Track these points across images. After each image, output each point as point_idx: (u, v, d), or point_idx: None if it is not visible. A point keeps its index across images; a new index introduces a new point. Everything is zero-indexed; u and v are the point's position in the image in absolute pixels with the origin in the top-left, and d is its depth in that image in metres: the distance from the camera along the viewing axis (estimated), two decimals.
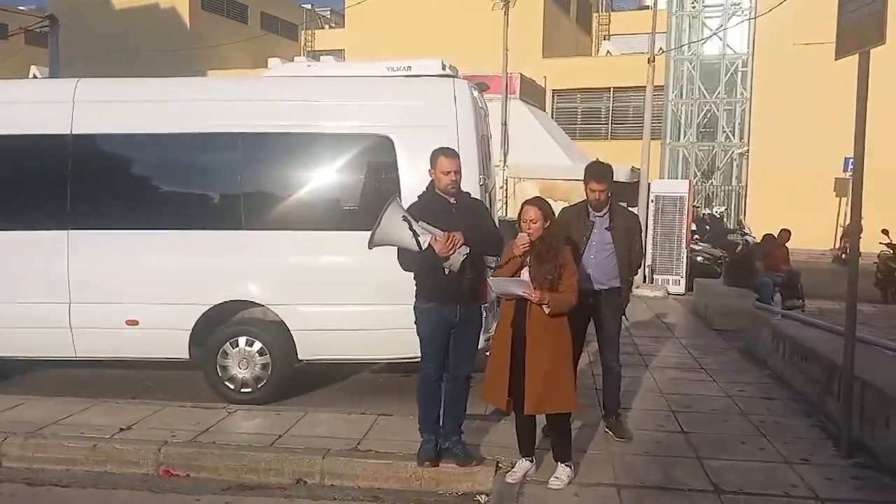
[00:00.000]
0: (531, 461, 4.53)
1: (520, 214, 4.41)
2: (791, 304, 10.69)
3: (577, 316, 5.10)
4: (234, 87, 7.35)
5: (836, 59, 5.30)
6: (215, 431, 5.33)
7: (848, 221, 19.28)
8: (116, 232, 6.20)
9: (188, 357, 6.19)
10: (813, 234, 20.84)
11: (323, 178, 6.34)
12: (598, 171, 5.15)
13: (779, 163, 23.40)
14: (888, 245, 13.55)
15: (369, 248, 4.52)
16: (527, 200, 4.52)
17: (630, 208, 6.82)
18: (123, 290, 6.13)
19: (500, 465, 4.67)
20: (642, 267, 11.13)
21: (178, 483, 4.80)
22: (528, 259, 4.31)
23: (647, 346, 8.32)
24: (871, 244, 14.23)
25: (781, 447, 5.12)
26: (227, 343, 6.15)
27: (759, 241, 12.54)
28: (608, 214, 5.17)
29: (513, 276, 4.33)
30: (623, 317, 5.38)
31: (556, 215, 5.37)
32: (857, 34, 4.98)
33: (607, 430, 5.29)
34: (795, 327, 7.47)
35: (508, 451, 4.75)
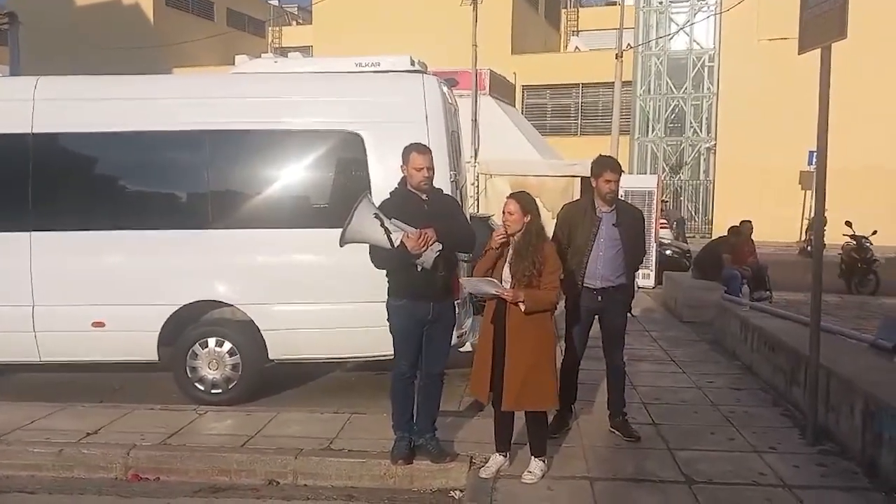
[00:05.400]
0: (505, 456, 4.54)
1: (503, 209, 4.41)
2: (759, 296, 10.85)
3: (583, 313, 5.14)
4: (199, 84, 7.24)
5: (799, 54, 5.39)
6: (185, 433, 5.26)
7: (813, 214, 19.66)
8: (81, 233, 6.09)
9: (157, 359, 6.09)
10: (779, 227, 21.24)
11: (292, 175, 6.28)
12: (612, 163, 5.13)
13: (745, 157, 23.78)
14: (852, 237, 13.82)
15: (340, 245, 4.50)
16: (510, 194, 4.53)
17: None
18: (89, 292, 6.01)
19: (474, 460, 4.67)
20: None
21: (148, 487, 4.72)
22: (508, 254, 4.31)
23: None
24: (835, 236, 14.56)
25: (750, 436, 5.20)
26: (197, 344, 6.07)
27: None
28: (615, 210, 5.12)
29: (491, 270, 4.32)
30: (629, 313, 5.33)
31: (559, 211, 5.40)
32: (818, 29, 5.06)
33: (613, 429, 5.23)
34: (763, 318, 7.59)
35: (482, 446, 4.76)
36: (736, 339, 7.83)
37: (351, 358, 6.57)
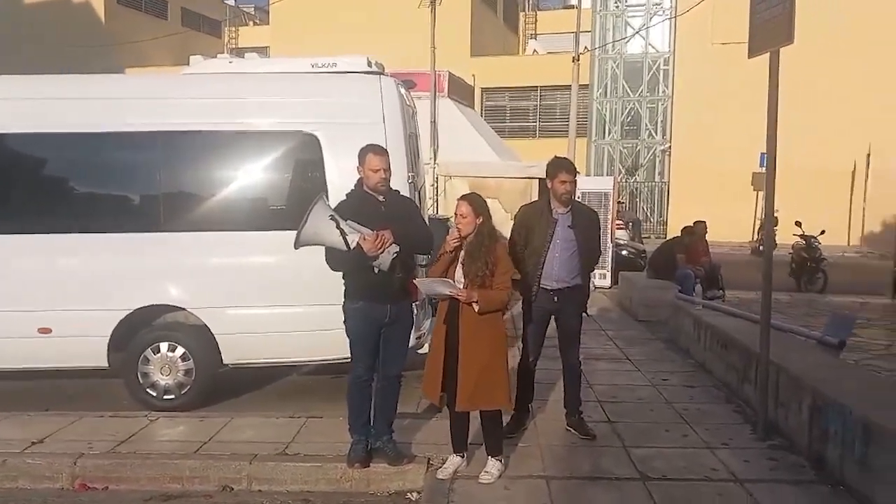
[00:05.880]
0: (462, 457, 4.54)
1: (455, 210, 4.41)
2: (712, 295, 11.06)
3: (540, 314, 5.18)
4: (152, 84, 7.10)
5: (749, 58, 5.51)
6: (136, 440, 5.13)
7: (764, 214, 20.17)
8: (27, 236, 5.92)
9: (107, 365, 5.94)
10: (732, 227, 21.69)
11: (246, 176, 6.20)
12: (567, 164, 5.17)
13: (699, 159, 24.22)
14: (801, 236, 14.20)
15: (295, 247, 4.45)
16: (461, 196, 4.53)
17: None
18: (35, 297, 5.84)
19: (431, 462, 4.66)
20: None
21: (96, 496, 4.60)
22: (461, 256, 4.31)
23: None
24: (786, 236, 14.96)
25: (703, 433, 5.29)
26: (149, 349, 5.94)
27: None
28: (571, 212, 5.16)
29: (445, 272, 4.32)
30: (584, 313, 5.39)
31: (517, 213, 5.42)
32: (767, 34, 5.18)
33: (570, 428, 5.27)
34: (715, 317, 7.74)
35: (440, 447, 4.75)
36: (689, 337, 7.97)
37: (307, 361, 6.49)
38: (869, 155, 22.10)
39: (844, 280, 14.30)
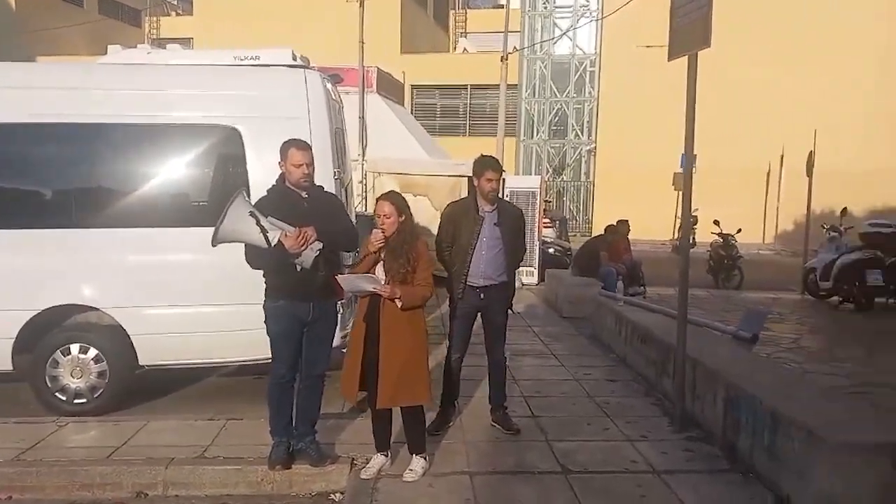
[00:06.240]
0: (386, 455, 4.52)
1: (374, 210, 4.37)
2: (633, 291, 11.38)
3: (466, 311, 5.20)
4: (64, 72, 6.76)
5: (668, 61, 5.66)
6: (43, 447, 4.89)
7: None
8: None
9: (10, 368, 5.63)
10: (654, 226, 22.36)
11: (165, 171, 5.98)
12: (492, 162, 5.19)
13: (623, 159, 24.84)
14: (719, 235, 14.75)
15: (213, 245, 4.32)
16: (380, 195, 4.50)
17: None
18: None
19: (355, 461, 4.62)
20: None
21: None
22: (382, 254, 4.28)
23: None
24: (705, 234, 15.51)
25: (623, 426, 5.42)
26: (58, 351, 5.66)
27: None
28: (497, 210, 5.19)
29: (368, 272, 4.28)
30: (510, 310, 5.44)
31: (443, 210, 5.41)
32: (685, 38, 5.34)
33: (494, 423, 5.31)
34: (635, 313, 7.94)
35: (365, 447, 4.70)
36: (611, 332, 8.15)
37: (228, 362, 6.32)
38: (783, 156, 23.13)
39: (759, 277, 14.95)
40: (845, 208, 13.76)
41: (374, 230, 4.23)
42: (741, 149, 23.32)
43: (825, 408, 4.42)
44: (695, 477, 4.53)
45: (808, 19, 23.15)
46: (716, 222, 14.65)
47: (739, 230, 14.75)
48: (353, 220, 7.23)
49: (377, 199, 4.39)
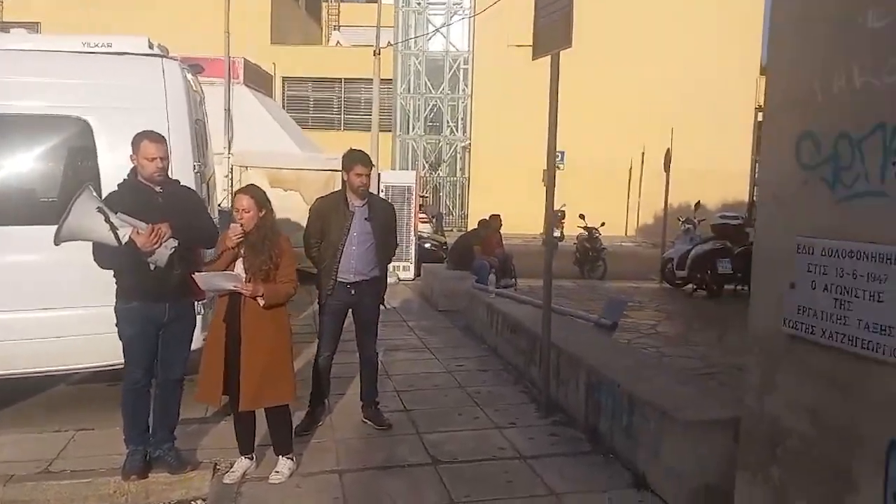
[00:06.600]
0: (251, 459, 4.37)
1: (232, 204, 4.21)
2: (505, 284, 11.67)
3: (337, 307, 5.11)
4: None
5: (532, 60, 5.82)
6: None
7: (555, 208, 21.78)
8: None
9: None
10: (526, 220, 23.03)
11: (7, 165, 5.49)
12: (362, 156, 5.09)
13: (497, 155, 25.45)
14: (584, 228, 15.42)
15: (55, 243, 4.00)
16: (239, 189, 4.35)
17: None
18: None
19: (218, 467, 4.43)
20: None
21: None
22: (241, 250, 4.12)
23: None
24: (572, 228, 16.15)
25: (493, 414, 5.54)
26: None
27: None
28: (367, 204, 5.12)
29: (227, 269, 4.11)
30: (382, 305, 5.40)
31: (312, 205, 5.26)
32: (548, 38, 5.50)
33: (366, 420, 5.26)
34: (506, 304, 8.15)
35: (228, 451, 4.52)
36: (483, 324, 8.32)
37: (77, 369, 5.87)
38: (644, 154, 24.48)
39: (622, 267, 15.77)
40: (699, 202, 14.77)
41: (232, 225, 4.07)
42: (606, 146, 24.51)
43: (677, 389, 4.69)
44: (559, 460, 4.69)
45: (666, 21, 24.62)
46: (581, 216, 15.30)
47: (603, 224, 15.48)
48: (216, 215, 6.97)
49: (235, 193, 4.23)
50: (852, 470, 2.69)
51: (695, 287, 12.87)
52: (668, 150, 15.24)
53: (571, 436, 5.14)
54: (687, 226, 13.87)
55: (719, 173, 24.50)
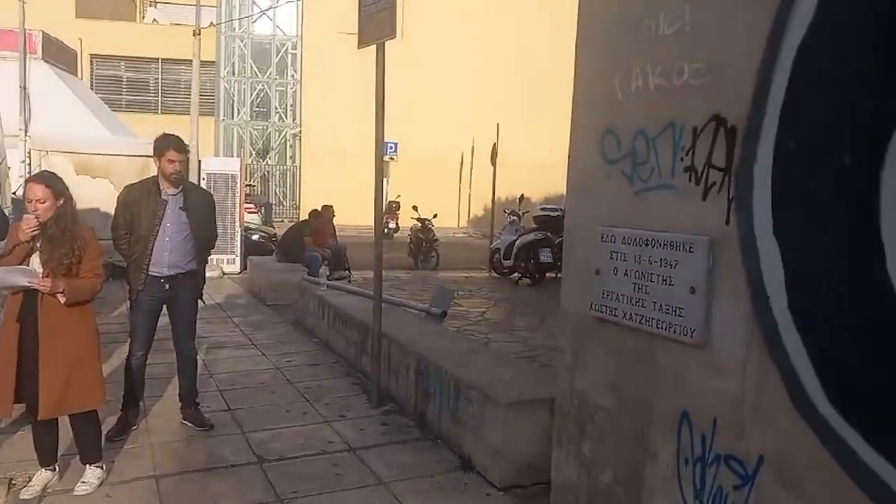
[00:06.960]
0: (53, 470, 3.98)
1: (25, 194, 3.79)
2: (339, 276, 11.57)
3: (150, 303, 4.77)
4: None
5: (358, 48, 5.76)
6: None
7: (392, 198, 21.93)
8: None
9: None
10: (361, 211, 22.96)
11: None
12: (175, 141, 4.77)
13: (329, 143, 25.11)
14: (418, 219, 15.65)
15: None
16: (31, 177, 3.93)
17: None
18: None
19: (13, 482, 3.99)
20: None
21: None
22: (38, 244, 3.73)
23: (199, 329, 8.08)
24: (407, 219, 16.34)
25: (323, 408, 5.46)
26: None
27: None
28: (182, 193, 4.80)
29: (21, 264, 3.70)
30: (200, 300, 5.12)
31: (120, 193, 4.83)
32: (373, 27, 5.47)
33: (185, 421, 4.98)
34: (338, 296, 8.07)
35: (26, 464, 4.09)
36: (315, 317, 8.19)
37: None
38: (473, 147, 25.26)
39: (454, 257, 16.19)
40: (522, 195, 15.48)
41: (26, 216, 3.66)
42: (439, 138, 25.00)
43: (500, 372, 4.88)
44: (389, 448, 4.72)
45: (497, 14, 25.47)
46: (414, 207, 15.53)
47: (436, 215, 15.82)
48: (9, 204, 6.31)
49: (27, 182, 3.81)
50: (650, 440, 2.94)
51: (520, 276, 13.48)
52: (494, 144, 15.81)
53: (402, 424, 5.19)
54: (512, 217, 14.49)
55: (546, 166, 25.87)
